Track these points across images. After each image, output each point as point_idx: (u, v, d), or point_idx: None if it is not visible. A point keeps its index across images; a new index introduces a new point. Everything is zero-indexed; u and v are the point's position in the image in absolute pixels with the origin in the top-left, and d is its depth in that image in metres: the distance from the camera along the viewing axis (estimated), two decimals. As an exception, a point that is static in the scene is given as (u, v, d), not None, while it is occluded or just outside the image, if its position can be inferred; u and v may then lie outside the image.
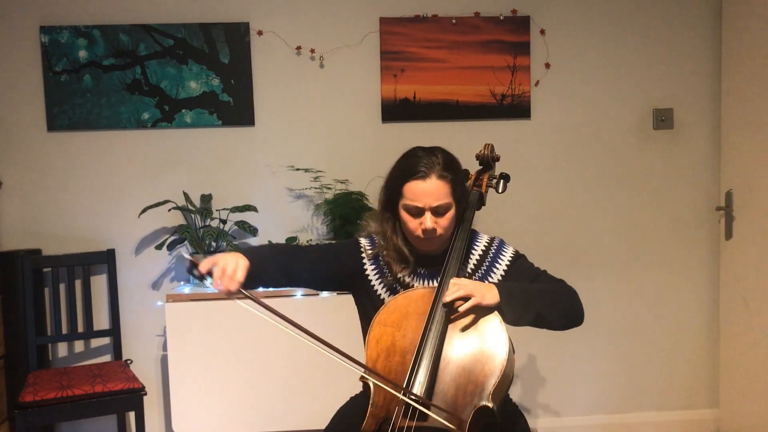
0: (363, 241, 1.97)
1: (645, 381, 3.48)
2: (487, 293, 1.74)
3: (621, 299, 3.45)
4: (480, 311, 1.74)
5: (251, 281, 1.70)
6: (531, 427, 2.02)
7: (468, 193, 1.95)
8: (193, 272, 1.62)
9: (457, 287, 1.73)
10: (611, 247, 3.44)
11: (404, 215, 1.86)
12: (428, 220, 1.81)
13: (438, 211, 1.82)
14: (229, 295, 1.62)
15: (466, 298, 1.72)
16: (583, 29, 3.36)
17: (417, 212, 1.83)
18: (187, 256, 1.61)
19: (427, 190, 1.81)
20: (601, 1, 3.36)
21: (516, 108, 3.34)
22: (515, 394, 3.37)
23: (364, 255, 1.94)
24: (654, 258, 3.45)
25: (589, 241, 3.43)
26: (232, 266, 1.62)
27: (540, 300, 1.79)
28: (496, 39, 3.31)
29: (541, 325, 1.80)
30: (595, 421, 3.46)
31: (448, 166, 1.84)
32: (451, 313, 1.74)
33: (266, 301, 1.63)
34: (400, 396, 1.62)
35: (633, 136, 3.41)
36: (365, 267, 1.93)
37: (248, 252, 1.75)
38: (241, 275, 1.62)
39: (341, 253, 1.94)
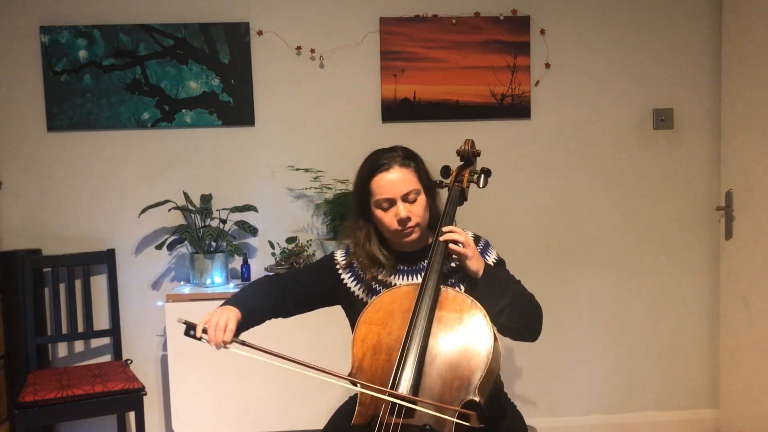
0: (337, 254, 2.02)
1: (645, 381, 3.48)
2: (477, 259, 1.83)
3: (621, 299, 3.45)
4: (464, 307, 1.75)
5: (245, 327, 1.83)
6: (531, 426, 2.02)
7: (435, 184, 1.97)
8: (190, 333, 1.75)
9: (458, 233, 1.81)
10: (611, 246, 3.44)
11: (378, 214, 1.89)
12: (401, 209, 1.85)
13: (408, 199, 1.86)
14: (224, 346, 1.74)
15: (459, 245, 1.81)
16: (583, 29, 3.36)
17: (388, 205, 1.87)
18: (181, 320, 1.77)
19: (393, 180, 1.85)
20: (601, 1, 3.36)
21: (516, 108, 3.34)
22: (515, 393, 3.37)
23: (338, 266, 1.99)
24: (654, 258, 3.45)
25: (589, 241, 3.43)
26: (223, 321, 1.74)
27: (514, 298, 1.82)
28: (496, 39, 3.31)
29: (499, 321, 1.80)
30: (595, 421, 3.46)
31: (408, 155, 1.90)
32: (437, 294, 1.77)
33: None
34: (386, 397, 1.63)
35: (633, 136, 3.41)
36: (342, 277, 1.98)
37: (238, 301, 1.86)
38: (232, 325, 1.75)
39: (318, 271, 2.02)
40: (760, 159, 3.01)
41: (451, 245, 1.81)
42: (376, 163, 1.88)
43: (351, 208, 2.00)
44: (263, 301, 1.92)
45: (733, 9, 3.16)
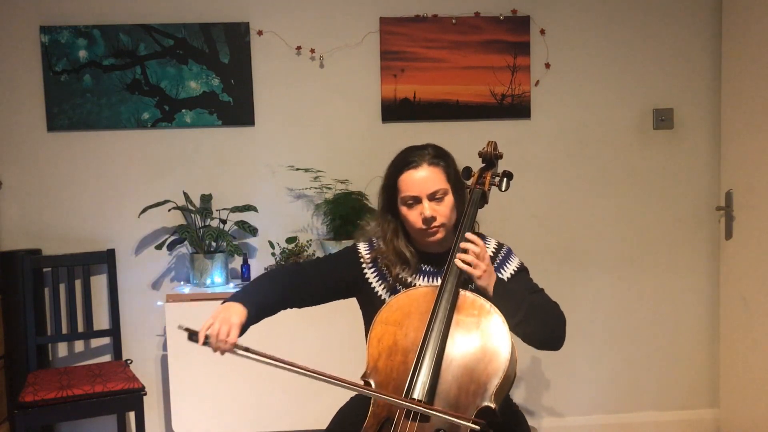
0: (361, 246, 1.97)
1: (645, 381, 3.47)
2: (486, 278, 1.77)
3: (621, 299, 3.45)
4: (482, 312, 1.74)
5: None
6: (531, 426, 2.02)
7: (465, 184, 1.94)
8: (192, 339, 1.70)
9: (470, 251, 1.76)
10: (611, 246, 3.44)
11: (404, 211, 1.86)
12: (427, 208, 1.82)
13: (434, 198, 1.83)
14: (228, 352, 1.70)
15: (469, 264, 1.76)
16: (583, 29, 3.36)
17: (415, 203, 1.84)
18: (182, 328, 1.72)
19: (421, 178, 1.83)
20: (601, 1, 3.36)
21: (516, 108, 3.34)
22: (515, 393, 3.37)
23: (362, 261, 1.95)
24: (654, 258, 3.45)
25: (589, 241, 3.43)
26: (225, 330, 1.68)
27: (528, 313, 1.78)
28: (496, 39, 3.31)
29: (516, 334, 1.79)
30: (595, 421, 3.46)
31: (438, 154, 1.88)
32: (456, 290, 1.75)
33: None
34: (401, 401, 1.62)
35: (633, 136, 3.41)
36: (365, 272, 1.94)
37: (246, 298, 1.79)
38: (234, 336, 1.69)
39: (339, 263, 1.97)
40: (760, 159, 3.01)
41: (459, 264, 1.77)
42: (405, 159, 1.86)
43: (378, 201, 1.97)
44: (273, 297, 1.86)
45: (733, 9, 3.16)
